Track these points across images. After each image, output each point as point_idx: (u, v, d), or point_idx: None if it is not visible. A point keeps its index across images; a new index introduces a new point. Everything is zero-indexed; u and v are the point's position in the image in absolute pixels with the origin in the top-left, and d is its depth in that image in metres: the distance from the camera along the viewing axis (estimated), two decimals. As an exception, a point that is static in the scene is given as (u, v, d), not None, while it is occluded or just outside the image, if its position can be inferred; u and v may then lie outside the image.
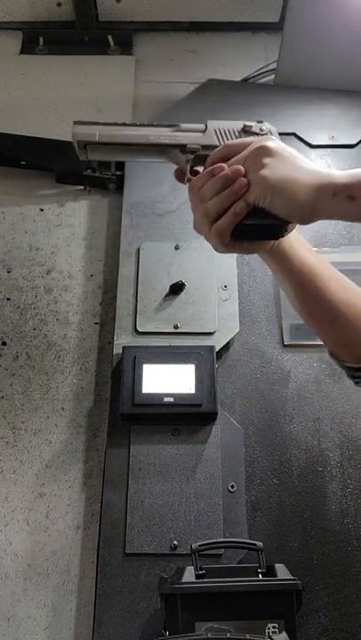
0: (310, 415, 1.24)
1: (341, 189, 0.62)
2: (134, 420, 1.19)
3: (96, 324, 1.43)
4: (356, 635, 1.05)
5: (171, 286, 1.33)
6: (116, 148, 0.75)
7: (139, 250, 1.40)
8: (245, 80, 1.77)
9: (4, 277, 1.49)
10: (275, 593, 0.90)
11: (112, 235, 1.54)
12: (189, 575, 0.91)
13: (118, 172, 1.57)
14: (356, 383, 0.86)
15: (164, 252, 1.39)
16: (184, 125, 0.76)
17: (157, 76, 1.85)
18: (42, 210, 1.60)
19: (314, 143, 1.59)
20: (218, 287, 1.34)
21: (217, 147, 0.73)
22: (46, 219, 1.58)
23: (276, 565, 0.94)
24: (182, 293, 1.33)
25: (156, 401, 1.17)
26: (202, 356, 1.22)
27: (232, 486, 1.15)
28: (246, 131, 0.75)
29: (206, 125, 0.76)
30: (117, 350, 1.26)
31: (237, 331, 1.30)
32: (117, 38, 1.87)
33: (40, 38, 1.87)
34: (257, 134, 0.74)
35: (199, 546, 0.95)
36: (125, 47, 1.88)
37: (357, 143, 1.59)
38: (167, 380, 1.20)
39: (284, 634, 0.83)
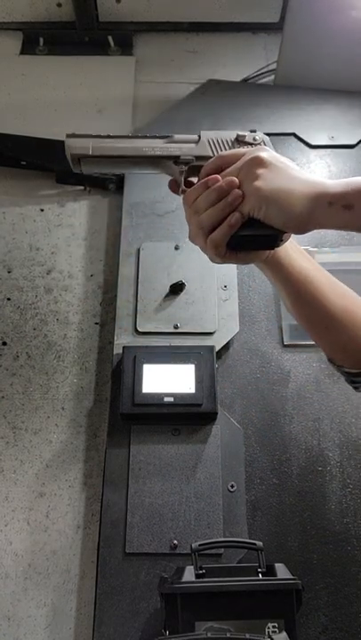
0: (310, 415, 1.24)
1: (337, 199, 0.62)
2: (134, 420, 1.19)
3: (96, 324, 1.43)
4: (357, 634, 1.05)
5: (171, 286, 1.33)
6: (109, 160, 0.75)
7: (139, 250, 1.40)
8: (245, 80, 1.77)
9: (5, 277, 1.49)
10: (275, 592, 0.89)
11: (112, 235, 1.54)
12: (189, 575, 0.91)
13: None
14: (356, 388, 0.85)
15: (163, 252, 1.39)
16: (177, 136, 0.76)
17: (157, 76, 1.85)
18: (42, 210, 1.60)
19: (314, 143, 1.59)
20: (218, 287, 1.35)
21: (210, 157, 0.73)
22: (46, 219, 1.58)
23: (276, 565, 0.94)
24: (182, 293, 1.33)
25: (156, 401, 1.17)
26: (202, 356, 1.22)
27: (232, 486, 1.15)
28: (240, 141, 0.75)
29: (200, 136, 0.76)
30: (117, 350, 1.26)
31: (237, 331, 1.30)
32: (117, 39, 1.88)
33: (40, 39, 1.88)
34: (250, 144, 0.74)
35: (199, 545, 0.95)
36: (125, 47, 1.88)
37: (357, 143, 1.59)
38: (167, 379, 1.20)
39: (284, 633, 0.83)
